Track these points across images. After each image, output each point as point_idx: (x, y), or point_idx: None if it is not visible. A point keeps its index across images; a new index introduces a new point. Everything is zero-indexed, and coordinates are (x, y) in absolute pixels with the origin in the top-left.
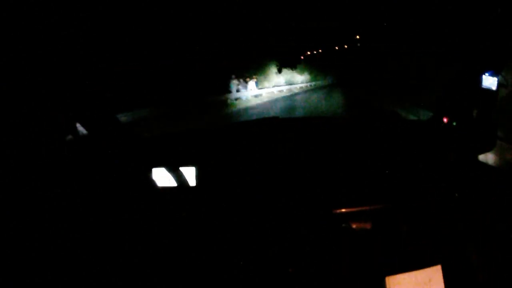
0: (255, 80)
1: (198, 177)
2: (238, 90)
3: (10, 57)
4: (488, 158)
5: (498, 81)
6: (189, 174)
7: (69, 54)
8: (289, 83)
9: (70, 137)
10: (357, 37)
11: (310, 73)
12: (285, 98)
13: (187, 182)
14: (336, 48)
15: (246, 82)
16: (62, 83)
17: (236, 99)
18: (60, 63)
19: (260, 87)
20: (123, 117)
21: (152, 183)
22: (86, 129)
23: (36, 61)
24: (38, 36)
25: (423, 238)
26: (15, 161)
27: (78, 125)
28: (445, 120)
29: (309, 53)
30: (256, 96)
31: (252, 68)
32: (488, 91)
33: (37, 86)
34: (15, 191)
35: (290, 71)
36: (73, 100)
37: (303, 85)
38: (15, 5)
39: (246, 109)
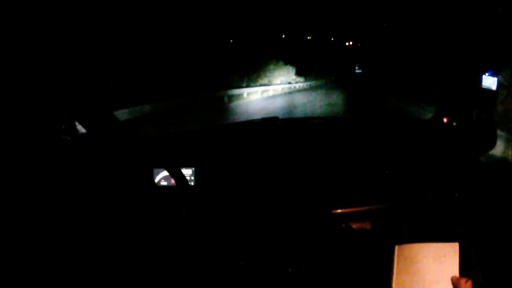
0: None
1: (198, 177)
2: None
3: (7, 56)
4: (488, 158)
5: (498, 81)
6: (189, 174)
7: (65, 51)
8: (288, 82)
9: (70, 137)
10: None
11: (309, 72)
12: (285, 96)
13: (187, 182)
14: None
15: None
16: (59, 82)
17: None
18: (56, 61)
19: (258, 84)
20: (125, 113)
21: (152, 183)
22: (86, 129)
23: (32, 60)
24: (33, 34)
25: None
26: (15, 161)
27: (78, 125)
28: (445, 120)
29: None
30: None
31: (252, 67)
32: (488, 91)
33: (35, 85)
34: (15, 191)
35: (290, 69)
36: (71, 100)
37: (302, 83)
38: (13, 5)
39: (247, 107)
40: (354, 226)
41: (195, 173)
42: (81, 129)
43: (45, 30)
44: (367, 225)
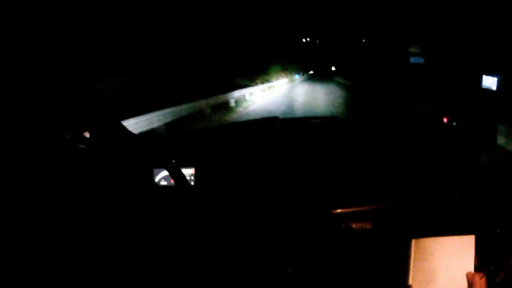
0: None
1: (198, 177)
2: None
3: (13, 59)
4: (488, 158)
5: (498, 81)
6: (189, 174)
7: (65, 51)
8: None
9: (70, 137)
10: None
11: (301, 69)
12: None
13: (187, 182)
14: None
15: None
16: (63, 84)
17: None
18: (56, 61)
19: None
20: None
21: (152, 183)
22: (86, 129)
23: (38, 63)
24: (34, 35)
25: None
26: (16, 161)
27: (78, 125)
28: (445, 120)
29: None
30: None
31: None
32: (488, 91)
33: (35, 85)
34: (15, 191)
35: (285, 69)
36: (71, 99)
37: (298, 77)
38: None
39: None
40: (354, 226)
41: (196, 173)
42: (81, 129)
43: (46, 31)
44: (367, 225)
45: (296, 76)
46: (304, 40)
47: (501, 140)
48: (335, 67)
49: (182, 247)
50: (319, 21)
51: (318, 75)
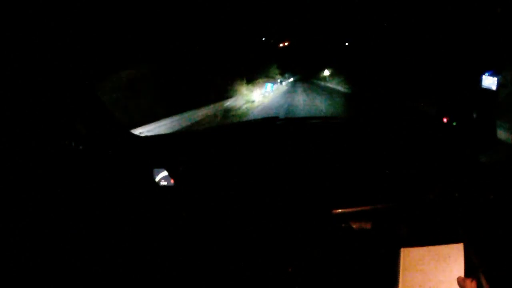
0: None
1: (198, 177)
2: None
3: (16, 60)
4: (488, 158)
5: (498, 81)
6: (188, 174)
7: (67, 52)
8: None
9: (71, 138)
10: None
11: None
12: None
13: (187, 182)
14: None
15: None
16: (64, 85)
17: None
18: (58, 61)
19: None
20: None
21: (152, 183)
22: (86, 129)
23: (34, 60)
24: (36, 35)
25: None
26: (17, 161)
27: (78, 126)
28: (445, 120)
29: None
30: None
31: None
32: (488, 91)
33: (40, 88)
34: (16, 191)
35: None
36: (74, 102)
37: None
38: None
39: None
40: (354, 226)
41: (195, 173)
42: (82, 130)
43: (48, 31)
44: (367, 225)
45: (268, 88)
46: (282, 44)
47: (501, 135)
48: (329, 71)
49: (182, 247)
50: (316, 17)
51: (305, 83)
